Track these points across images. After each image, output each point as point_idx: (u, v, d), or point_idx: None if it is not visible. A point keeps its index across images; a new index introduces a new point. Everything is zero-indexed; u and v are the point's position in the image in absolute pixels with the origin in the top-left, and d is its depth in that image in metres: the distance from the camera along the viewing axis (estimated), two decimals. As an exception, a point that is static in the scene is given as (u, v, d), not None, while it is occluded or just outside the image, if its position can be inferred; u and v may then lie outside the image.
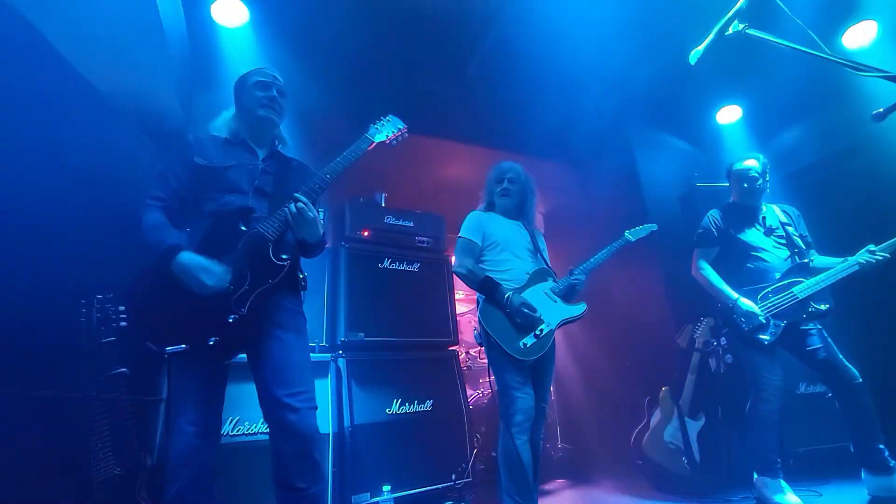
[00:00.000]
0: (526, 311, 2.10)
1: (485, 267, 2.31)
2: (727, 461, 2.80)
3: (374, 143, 1.85)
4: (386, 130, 1.89)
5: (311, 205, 1.56)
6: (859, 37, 3.20)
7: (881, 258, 2.32)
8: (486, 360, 4.35)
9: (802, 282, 2.45)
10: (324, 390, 2.49)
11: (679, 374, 3.07)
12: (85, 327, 1.84)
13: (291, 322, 1.62)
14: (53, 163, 1.98)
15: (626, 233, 2.53)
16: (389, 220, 3.21)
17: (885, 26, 3.12)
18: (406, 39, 3.25)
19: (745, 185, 2.68)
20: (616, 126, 4.07)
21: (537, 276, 2.30)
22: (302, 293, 1.72)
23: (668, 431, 2.96)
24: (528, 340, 2.10)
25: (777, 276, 2.53)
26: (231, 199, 1.60)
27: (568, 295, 2.29)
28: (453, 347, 3.18)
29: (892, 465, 2.23)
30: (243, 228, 1.53)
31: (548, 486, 3.21)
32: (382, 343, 2.85)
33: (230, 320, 1.44)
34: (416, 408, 2.78)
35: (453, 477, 2.71)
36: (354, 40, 3.18)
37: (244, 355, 1.56)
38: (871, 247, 2.36)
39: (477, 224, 2.40)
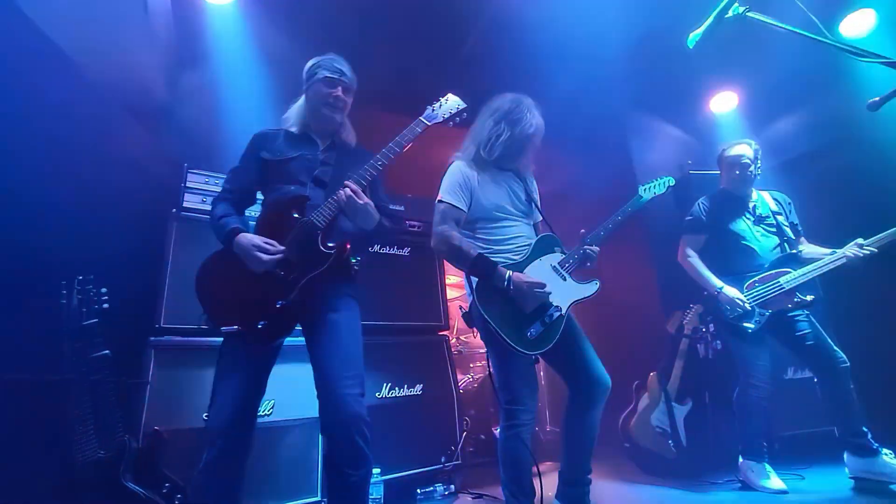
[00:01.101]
0: (538, 291, 1.76)
1: (477, 238, 1.95)
2: (713, 445, 2.85)
3: (429, 125, 1.83)
4: (443, 111, 1.85)
5: (360, 192, 1.59)
6: (857, 26, 3.18)
7: (868, 253, 2.33)
8: (476, 346, 4.40)
9: (790, 272, 2.46)
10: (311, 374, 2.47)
11: (667, 359, 3.10)
12: (66, 309, 1.79)
13: (343, 306, 1.65)
14: (30, 141, 1.91)
15: (640, 188, 2.19)
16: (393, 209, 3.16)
17: (883, 15, 3.10)
18: (399, 18, 3.17)
19: (737, 171, 2.67)
20: (611, 111, 4.03)
21: (542, 247, 1.95)
22: (355, 279, 1.74)
23: (656, 416, 3.00)
24: (536, 329, 1.78)
25: (765, 264, 2.54)
26: (289, 189, 1.66)
27: (578, 268, 1.95)
28: (444, 332, 3.18)
29: (875, 447, 2.28)
30: (296, 216, 1.59)
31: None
32: (372, 327, 2.83)
33: (278, 305, 1.51)
34: (406, 392, 2.78)
35: (443, 460, 2.72)
36: (346, 17, 3.10)
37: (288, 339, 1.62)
38: (860, 240, 2.37)
39: (464, 181, 1.95)
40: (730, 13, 1.55)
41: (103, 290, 1.86)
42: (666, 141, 4.29)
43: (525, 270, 1.87)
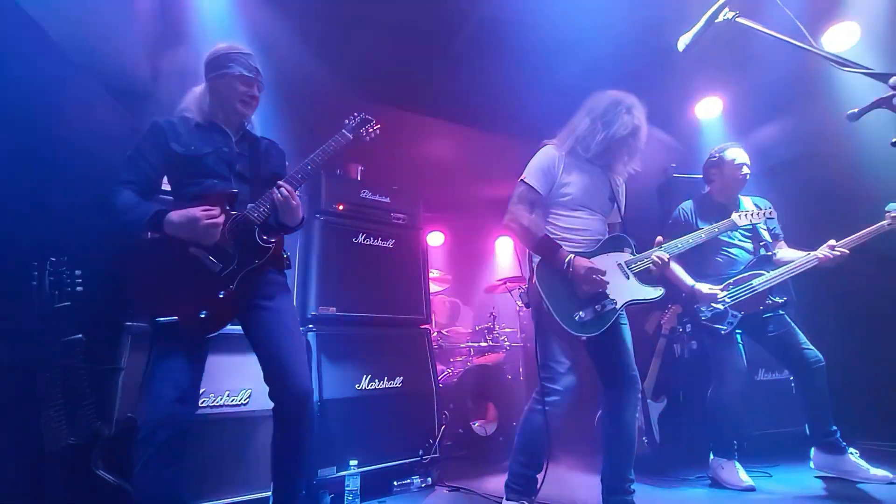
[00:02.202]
0: (595, 277, 1.79)
1: (550, 223, 2.00)
2: (685, 442, 2.92)
3: (350, 138, 1.97)
4: (359, 127, 2.02)
5: (294, 193, 1.70)
6: (840, 38, 3.25)
7: (840, 254, 2.41)
8: (456, 340, 4.42)
9: (763, 274, 2.52)
10: (293, 364, 2.44)
11: (645, 358, 3.15)
12: (37, 291, 1.73)
13: (278, 294, 1.74)
14: (3, 118, 1.83)
15: (734, 215, 2.31)
16: (366, 194, 3.14)
17: (866, 29, 3.17)
18: (391, 9, 3.13)
19: (739, 176, 2.64)
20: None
21: (612, 244, 1.99)
22: (286, 271, 1.83)
23: (631, 413, 3.05)
24: (586, 314, 1.82)
25: (741, 268, 2.60)
26: (212, 182, 1.68)
27: (644, 273, 1.97)
28: (425, 326, 3.18)
29: (842, 446, 2.37)
30: (228, 209, 1.63)
31: (513, 464, 3.28)
32: (354, 318, 2.82)
33: (220, 296, 1.55)
34: (385, 384, 2.78)
35: (420, 452, 2.73)
36: (337, 5, 3.05)
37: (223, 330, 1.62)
38: (832, 241, 2.45)
39: (549, 168, 1.99)
40: (720, 18, 1.57)
41: (77, 272, 1.80)
42: (651, 143, 4.33)
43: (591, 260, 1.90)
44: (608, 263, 1.92)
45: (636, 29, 3.23)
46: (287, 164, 2.04)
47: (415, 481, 2.70)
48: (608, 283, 1.83)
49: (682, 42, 1.73)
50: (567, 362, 1.88)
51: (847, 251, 2.40)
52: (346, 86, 3.48)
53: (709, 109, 4.12)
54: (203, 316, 1.53)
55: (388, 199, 3.20)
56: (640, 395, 1.93)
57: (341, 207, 3.01)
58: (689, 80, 3.83)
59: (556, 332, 1.83)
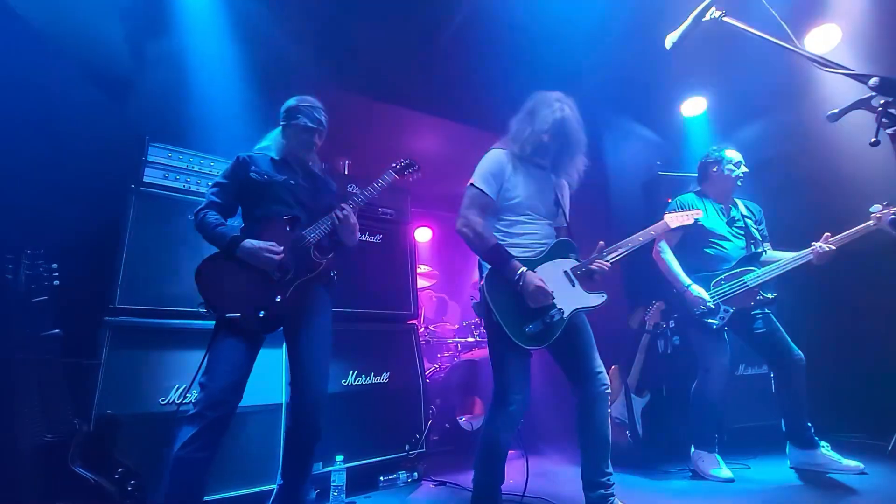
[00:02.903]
0: (541, 297, 1.80)
1: (498, 228, 1.98)
2: (667, 435, 2.97)
3: (397, 178, 2.26)
4: (403, 169, 2.28)
5: (352, 213, 1.97)
6: (821, 41, 3.31)
7: (829, 249, 2.42)
8: (444, 336, 4.42)
9: (754, 271, 2.57)
10: (278, 360, 2.42)
11: (629, 353, 3.20)
12: (12, 285, 1.68)
13: (322, 308, 1.99)
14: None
15: (666, 216, 2.25)
16: (353, 189, 3.11)
17: (846, 32, 3.24)
18: (379, 2, 3.10)
19: (737, 175, 2.70)
20: (585, 111, 4.08)
21: (558, 250, 1.98)
22: (333, 287, 2.10)
23: (615, 407, 3.10)
24: (535, 327, 1.82)
25: (732, 263, 2.64)
26: (278, 208, 1.96)
27: (587, 280, 1.96)
28: (412, 321, 3.17)
29: (816, 440, 2.44)
30: (288, 230, 1.92)
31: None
32: (340, 314, 2.78)
33: (277, 300, 1.82)
34: (372, 380, 2.77)
35: (407, 448, 2.73)
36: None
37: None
38: (828, 234, 2.47)
39: (498, 171, 1.97)
40: (707, 17, 1.59)
41: (54, 265, 1.75)
42: (637, 141, 4.38)
43: (536, 269, 1.89)
44: (555, 271, 1.93)
45: (623, 26, 3.25)
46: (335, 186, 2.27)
47: (401, 476, 2.70)
48: (554, 300, 1.84)
49: (670, 40, 1.74)
50: (521, 372, 1.87)
51: (835, 248, 2.44)
52: (333, 78, 3.44)
53: (694, 107, 4.17)
54: (262, 315, 1.78)
55: (375, 194, 3.17)
56: (605, 389, 1.92)
57: (328, 201, 2.97)
58: (674, 78, 3.87)
59: (509, 345, 1.81)
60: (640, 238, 2.09)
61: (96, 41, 2.62)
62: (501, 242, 1.91)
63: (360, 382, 2.71)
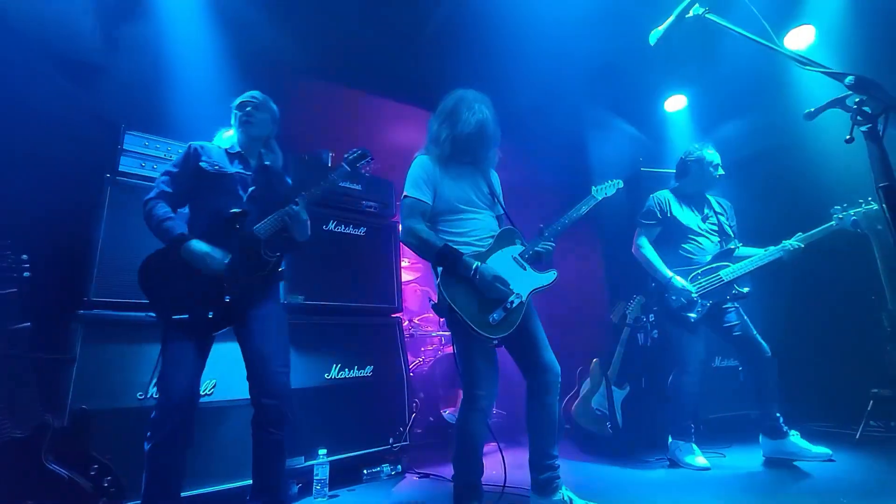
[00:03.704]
0: (499, 286, 1.84)
1: (442, 230, 2.00)
2: (646, 426, 3.04)
3: (349, 171, 2.15)
4: (360, 161, 2.19)
5: (304, 210, 1.95)
6: (797, 41, 3.38)
7: (796, 247, 2.54)
8: (428, 328, 4.42)
9: (729, 266, 2.64)
10: (259, 353, 2.38)
11: (610, 347, 3.25)
12: (-22, 276, 1.62)
13: (272, 304, 1.98)
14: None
15: (593, 189, 2.29)
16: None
17: (821, 32, 3.31)
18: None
19: (713, 172, 2.78)
20: (568, 106, 4.10)
21: (504, 239, 2.03)
22: (281, 283, 2.12)
23: (596, 399, 3.15)
24: (498, 315, 1.85)
25: (707, 258, 2.71)
26: (228, 200, 1.91)
27: (536, 260, 2.03)
28: (396, 314, 3.16)
29: (785, 430, 2.52)
30: (237, 227, 1.86)
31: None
32: (323, 307, 2.77)
33: (226, 300, 1.79)
34: (355, 373, 2.75)
35: (390, 441, 2.73)
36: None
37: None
38: (800, 234, 2.58)
39: (427, 176, 2.01)
40: (690, 13, 1.61)
41: (24, 256, 1.69)
42: (620, 138, 4.43)
43: (487, 261, 1.93)
44: (505, 259, 1.98)
45: (607, 22, 3.27)
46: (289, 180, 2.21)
47: (385, 469, 2.70)
48: (511, 289, 1.88)
49: (654, 36, 1.76)
50: (488, 366, 1.91)
51: (803, 246, 2.55)
52: (317, 69, 3.38)
53: (675, 104, 4.23)
54: (210, 316, 1.77)
55: (359, 187, 3.14)
56: (557, 378, 1.97)
57: (311, 193, 2.93)
58: (657, 74, 3.91)
59: (474, 338, 1.85)
60: (573, 215, 2.17)
61: (64, 21, 2.52)
62: (450, 242, 1.94)
63: (343, 376, 2.69)
